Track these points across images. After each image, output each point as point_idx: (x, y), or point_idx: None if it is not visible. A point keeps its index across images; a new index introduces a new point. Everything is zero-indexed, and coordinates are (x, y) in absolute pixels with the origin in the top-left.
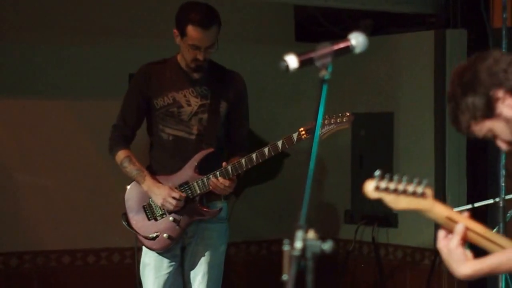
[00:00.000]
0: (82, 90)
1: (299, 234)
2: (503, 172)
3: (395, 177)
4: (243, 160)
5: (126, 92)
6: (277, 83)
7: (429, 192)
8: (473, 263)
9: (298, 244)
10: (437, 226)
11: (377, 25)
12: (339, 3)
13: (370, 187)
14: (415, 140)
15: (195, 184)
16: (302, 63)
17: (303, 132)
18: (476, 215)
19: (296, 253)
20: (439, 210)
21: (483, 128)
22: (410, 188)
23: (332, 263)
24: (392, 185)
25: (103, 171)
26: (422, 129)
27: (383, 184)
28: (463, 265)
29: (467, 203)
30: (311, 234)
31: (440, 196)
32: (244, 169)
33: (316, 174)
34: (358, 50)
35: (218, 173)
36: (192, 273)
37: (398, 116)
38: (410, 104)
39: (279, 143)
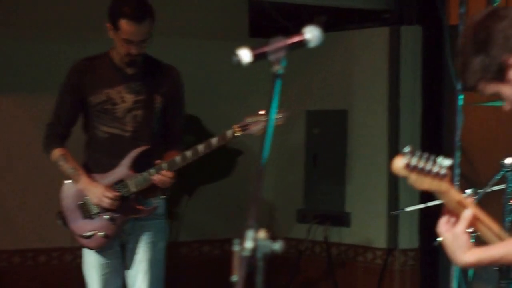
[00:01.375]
0: (27, 86)
1: (249, 234)
2: (457, 171)
3: (423, 155)
4: (177, 158)
5: (60, 89)
6: (231, 79)
7: (449, 173)
8: (477, 251)
9: (248, 244)
10: (390, 226)
11: (332, 21)
12: None
13: (400, 164)
14: (369, 138)
15: (130, 182)
16: (256, 57)
17: (238, 129)
18: (429, 214)
19: (246, 253)
20: (453, 194)
21: (490, 89)
22: (435, 169)
23: (284, 263)
24: (420, 164)
25: (54, 170)
26: (376, 127)
27: (413, 162)
28: (467, 252)
29: (420, 202)
30: (262, 234)
31: (393, 195)
32: (179, 166)
33: (269, 172)
34: (312, 44)
35: (152, 171)
36: (132, 271)
37: (352, 113)
38: (364, 102)
39: (213, 140)
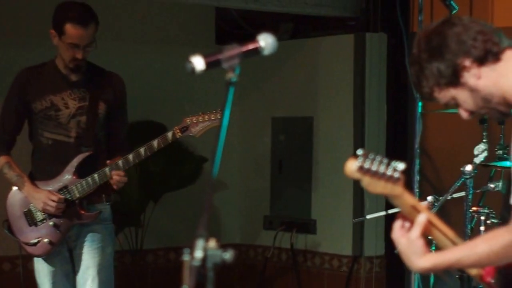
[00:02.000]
0: None
1: (200, 243)
2: (417, 177)
3: (377, 158)
4: (120, 162)
5: (5, 97)
6: (197, 85)
7: (402, 178)
8: (433, 256)
9: (198, 254)
10: (355, 233)
11: (298, 28)
12: (259, 6)
13: (353, 166)
14: (334, 144)
15: (74, 187)
16: (209, 65)
17: (178, 131)
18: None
19: (196, 263)
20: (407, 198)
21: (446, 95)
22: (388, 172)
23: (251, 270)
24: (374, 167)
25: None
26: (342, 133)
27: (366, 165)
28: (423, 257)
29: (385, 209)
30: (212, 243)
31: (358, 202)
32: (122, 169)
33: (235, 179)
34: (267, 51)
35: (96, 176)
36: (81, 277)
37: (318, 120)
38: (330, 108)
39: (154, 142)
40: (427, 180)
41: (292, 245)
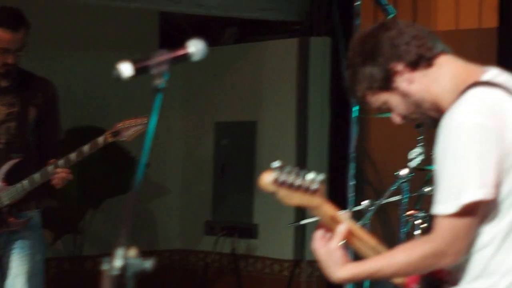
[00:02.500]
0: None
1: (120, 252)
2: (351, 183)
3: (293, 170)
4: (49, 168)
5: None
6: (139, 90)
7: (322, 188)
8: (351, 266)
9: (118, 263)
10: (297, 237)
11: (243, 32)
12: (203, 10)
13: (268, 180)
14: (277, 149)
15: (3, 194)
16: (137, 71)
17: (109, 135)
18: None
19: (115, 272)
20: (326, 209)
21: (378, 99)
22: (305, 184)
23: (192, 276)
24: (290, 179)
25: None
26: (284, 138)
27: (282, 177)
28: (341, 268)
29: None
30: (132, 252)
31: (300, 207)
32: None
33: (177, 184)
34: (196, 57)
35: (25, 182)
36: (10, 285)
37: (261, 124)
38: (273, 113)
39: (85, 148)
40: (370, 184)
41: (234, 250)
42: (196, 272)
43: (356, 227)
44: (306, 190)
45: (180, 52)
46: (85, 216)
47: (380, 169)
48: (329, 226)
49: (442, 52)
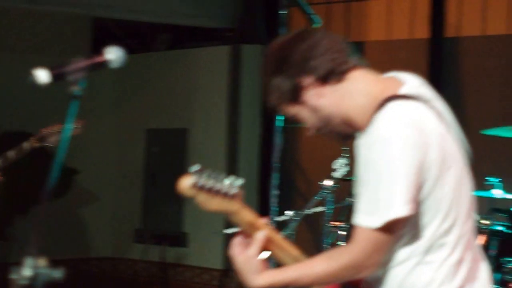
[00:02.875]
0: None
1: (29, 261)
2: (274, 192)
3: (212, 174)
4: None
5: None
6: (68, 96)
7: (240, 193)
8: (270, 274)
9: (27, 272)
10: (226, 247)
11: (175, 39)
12: (135, 16)
13: (187, 184)
14: (208, 157)
15: None
16: (54, 78)
17: (34, 141)
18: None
19: (24, 281)
20: (245, 215)
21: (290, 110)
22: (224, 188)
23: (120, 284)
24: (208, 183)
25: None
26: (215, 146)
27: (200, 181)
28: (259, 275)
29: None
30: (42, 261)
31: None
32: None
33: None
34: (114, 64)
35: None
36: None
37: (192, 132)
38: (204, 120)
39: (11, 153)
40: (299, 193)
41: (163, 259)
42: (125, 280)
43: (275, 234)
44: (224, 194)
45: (98, 59)
46: (13, 223)
47: (309, 179)
48: (248, 233)
49: (357, 65)
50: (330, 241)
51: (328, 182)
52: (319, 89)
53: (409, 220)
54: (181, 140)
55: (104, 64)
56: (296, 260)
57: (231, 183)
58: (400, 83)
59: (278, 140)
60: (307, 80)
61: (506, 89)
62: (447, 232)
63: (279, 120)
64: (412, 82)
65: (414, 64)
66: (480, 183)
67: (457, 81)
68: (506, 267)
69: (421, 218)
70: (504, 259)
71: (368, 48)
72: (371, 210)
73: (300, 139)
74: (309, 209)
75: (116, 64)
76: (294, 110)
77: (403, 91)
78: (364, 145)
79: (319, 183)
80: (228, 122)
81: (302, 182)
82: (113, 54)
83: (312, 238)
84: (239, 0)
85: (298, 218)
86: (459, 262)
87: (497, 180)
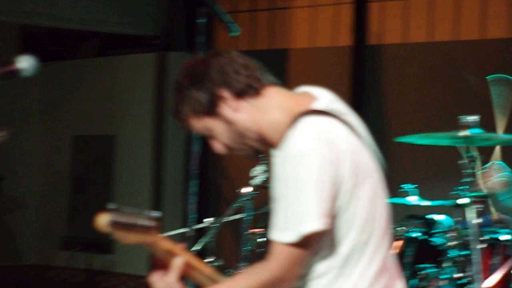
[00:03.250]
0: None
1: None
2: (192, 199)
3: (129, 210)
4: None
5: None
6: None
7: (156, 225)
8: None
9: None
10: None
11: (102, 46)
12: (61, 24)
13: (103, 222)
14: (134, 163)
15: None
16: None
17: None
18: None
19: None
20: (162, 244)
21: (201, 124)
22: (140, 222)
23: None
24: (124, 219)
25: None
26: (141, 152)
27: (117, 218)
28: None
29: (184, 226)
30: None
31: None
32: None
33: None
34: (27, 73)
35: None
36: None
37: (119, 139)
38: (131, 127)
39: None
40: (221, 201)
41: (90, 266)
42: None
43: (193, 259)
44: (141, 228)
45: (9, 68)
46: None
47: (230, 186)
48: (167, 260)
49: (271, 83)
50: (250, 248)
51: (246, 189)
52: (235, 103)
53: (324, 234)
54: (108, 147)
55: (15, 73)
56: (214, 281)
57: (148, 216)
58: (312, 98)
59: (196, 147)
60: (225, 93)
61: (427, 96)
62: (364, 245)
63: None
64: (324, 97)
65: (338, 71)
66: (395, 190)
67: (380, 88)
68: (421, 274)
69: (337, 232)
70: (420, 265)
71: (292, 56)
72: (285, 226)
73: None
74: (228, 216)
75: (28, 72)
76: (207, 123)
77: (315, 106)
78: (277, 162)
79: (237, 190)
80: (155, 129)
81: (223, 189)
82: (25, 63)
83: (232, 245)
84: (164, 8)
85: (217, 225)
86: (378, 274)
87: (412, 186)
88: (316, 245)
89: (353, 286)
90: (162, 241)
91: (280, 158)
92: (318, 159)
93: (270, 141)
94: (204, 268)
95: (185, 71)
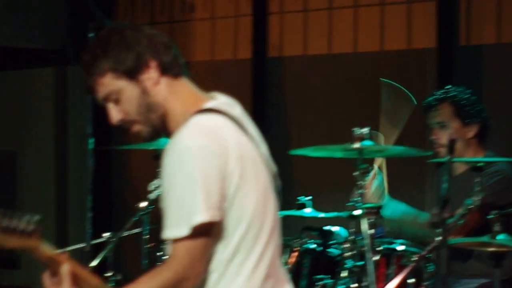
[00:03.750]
0: None
1: None
2: (88, 214)
3: (7, 213)
4: None
5: None
6: None
7: (38, 230)
8: None
9: None
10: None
11: (2, 60)
12: None
13: None
14: (38, 179)
15: None
16: None
17: None
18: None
19: None
20: (43, 250)
21: (112, 85)
22: (21, 226)
23: None
24: (3, 222)
25: None
26: (44, 168)
27: None
28: None
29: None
30: None
31: (63, 234)
32: None
33: None
34: None
35: None
36: None
37: (21, 155)
38: (33, 143)
39: None
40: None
41: None
42: None
43: (78, 267)
44: (21, 232)
45: None
46: None
47: (129, 200)
48: (52, 268)
49: (184, 74)
50: (148, 262)
51: (144, 204)
52: (157, 76)
53: (216, 227)
54: (10, 163)
55: None
56: None
57: (28, 220)
58: (208, 99)
59: (89, 162)
60: (152, 63)
61: (327, 108)
62: (252, 245)
63: (91, 142)
64: (221, 100)
65: (239, 84)
66: (293, 202)
67: (281, 100)
68: (318, 285)
69: (226, 228)
70: (316, 277)
71: (193, 69)
72: (177, 222)
73: (117, 161)
74: (125, 230)
75: None
76: (120, 85)
77: (208, 105)
78: (165, 155)
79: (135, 205)
80: (56, 144)
81: (123, 203)
82: None
83: (132, 260)
84: (62, 21)
85: (115, 240)
86: (265, 277)
87: (307, 198)
88: (211, 237)
89: (241, 286)
90: (44, 247)
91: (168, 153)
92: (204, 153)
93: (168, 127)
94: (90, 277)
95: (113, 32)
